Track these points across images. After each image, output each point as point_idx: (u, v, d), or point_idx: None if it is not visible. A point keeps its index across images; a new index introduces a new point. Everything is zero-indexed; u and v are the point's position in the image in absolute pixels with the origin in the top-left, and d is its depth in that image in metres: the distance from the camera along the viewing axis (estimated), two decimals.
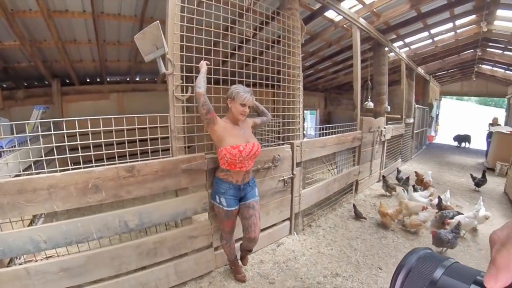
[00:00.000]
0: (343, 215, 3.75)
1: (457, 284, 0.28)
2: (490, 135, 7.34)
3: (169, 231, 1.91)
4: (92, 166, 1.51)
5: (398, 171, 4.91)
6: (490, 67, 9.22)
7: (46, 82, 4.60)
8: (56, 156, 1.47)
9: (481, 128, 15.28)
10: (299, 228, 3.21)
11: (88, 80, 5.10)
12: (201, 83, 1.83)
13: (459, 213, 3.33)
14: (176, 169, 1.85)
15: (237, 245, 2.35)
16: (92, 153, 1.56)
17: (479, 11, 4.64)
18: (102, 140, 1.61)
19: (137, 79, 5.52)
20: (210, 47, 2.11)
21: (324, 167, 3.94)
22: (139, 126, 1.75)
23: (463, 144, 10.68)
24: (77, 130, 1.51)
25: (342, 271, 2.53)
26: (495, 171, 5.94)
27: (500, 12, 4.82)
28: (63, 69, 4.29)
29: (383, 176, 4.69)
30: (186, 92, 1.98)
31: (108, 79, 5.09)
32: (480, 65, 9.08)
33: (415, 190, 4.09)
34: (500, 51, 7.12)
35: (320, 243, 3.01)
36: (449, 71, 9.64)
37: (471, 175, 5.10)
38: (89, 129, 1.55)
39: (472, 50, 7.22)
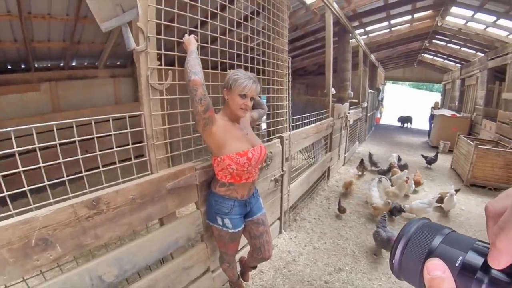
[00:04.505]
0: (322, 204, 3.62)
1: (454, 252, 0.27)
2: (432, 117, 8.07)
3: (159, 269, 1.36)
4: (32, 209, 0.88)
5: (370, 155, 4.96)
6: (431, 57, 10.05)
7: None
8: None
9: (417, 109, 17.38)
10: (286, 225, 2.93)
11: (9, 67, 3.74)
12: (196, 67, 1.26)
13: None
14: (160, 191, 1.28)
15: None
16: (27, 188, 0.90)
17: (438, 6, 4.81)
18: (42, 165, 0.96)
19: (74, 64, 4.27)
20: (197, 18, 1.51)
21: (301, 158, 3.73)
22: (99, 135, 1.11)
23: (405, 125, 11.70)
24: None
25: (343, 264, 2.42)
26: (439, 149, 6.55)
27: (453, 9, 5.11)
28: None
29: (361, 159, 4.72)
30: (166, 79, 1.37)
31: (36, 65, 3.81)
32: (423, 54, 9.89)
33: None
34: (444, 43, 7.72)
35: (312, 238, 2.81)
36: (396, 58, 10.23)
37: (422, 155, 5.48)
38: (16, 149, 0.89)
39: (420, 41, 7.67)
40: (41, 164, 0.96)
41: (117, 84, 4.74)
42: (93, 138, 1.12)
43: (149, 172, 1.31)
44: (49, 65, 3.96)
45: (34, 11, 2.75)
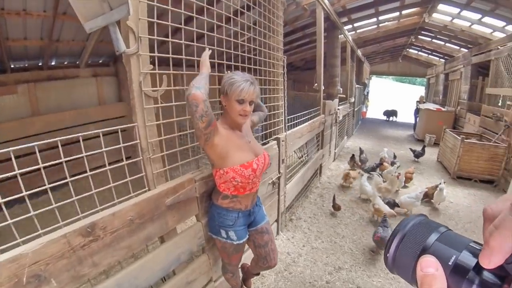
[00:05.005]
0: (316, 202, 3.63)
1: (449, 251, 0.28)
2: (417, 111, 8.25)
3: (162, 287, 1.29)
4: (19, 244, 0.78)
5: (361, 151, 4.98)
6: (416, 52, 10.24)
7: None
8: None
9: (401, 102, 17.74)
10: (283, 226, 2.91)
11: None
12: (200, 82, 1.15)
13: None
14: (159, 208, 1.19)
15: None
16: (10, 221, 0.79)
17: (426, 3, 4.86)
18: (25, 193, 0.85)
19: (53, 63, 3.98)
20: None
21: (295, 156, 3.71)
22: (88, 153, 1.00)
23: (391, 118, 11.92)
24: None
25: (342, 263, 2.44)
26: (425, 142, 6.73)
27: (440, 6, 5.19)
28: None
29: (353, 155, 4.77)
30: (160, 85, 1.24)
31: (12, 66, 3.51)
32: (408, 49, 10.06)
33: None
34: (429, 39, 7.87)
35: (309, 237, 2.82)
36: (381, 53, 10.34)
37: (411, 149, 5.60)
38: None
39: (406, 37, 7.78)
40: (16, 172, 0.84)
41: (100, 83, 4.47)
42: (76, 143, 0.99)
43: (146, 188, 1.21)
44: (26, 65, 3.67)
45: (8, 7, 2.51)
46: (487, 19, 4.85)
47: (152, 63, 1.20)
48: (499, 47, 4.88)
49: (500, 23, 4.75)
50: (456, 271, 0.26)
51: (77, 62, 4.18)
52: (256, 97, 1.31)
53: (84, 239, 0.90)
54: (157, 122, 1.25)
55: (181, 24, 1.34)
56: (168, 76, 1.27)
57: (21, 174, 0.84)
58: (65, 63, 4.10)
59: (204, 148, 1.25)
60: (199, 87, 1.13)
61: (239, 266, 1.81)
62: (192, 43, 1.39)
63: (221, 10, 1.59)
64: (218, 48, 1.57)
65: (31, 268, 0.77)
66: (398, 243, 0.31)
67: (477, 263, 0.25)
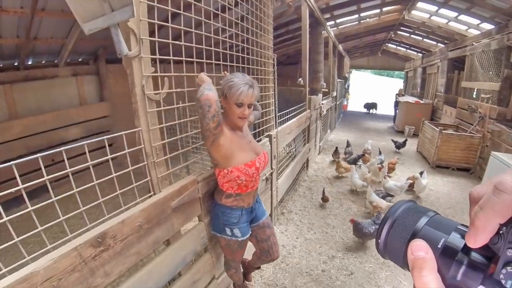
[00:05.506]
0: (306, 195, 3.74)
1: (437, 234, 0.28)
2: (397, 103, 8.56)
3: None
4: (28, 262, 0.76)
5: (348, 144, 5.13)
6: (395, 46, 10.55)
7: None
8: None
9: (380, 95, 18.21)
10: (275, 219, 2.99)
11: None
12: (210, 85, 1.18)
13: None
14: (165, 211, 1.20)
15: None
16: (16, 238, 0.76)
17: (406, 1, 5.01)
18: None
19: (30, 63, 3.74)
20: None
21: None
22: (92, 162, 0.98)
23: (371, 111, 12.26)
24: None
25: (335, 251, 2.55)
26: (405, 133, 7.03)
27: (420, 4, 5.40)
28: None
29: (336, 148, 4.92)
30: (162, 88, 1.22)
31: None
32: (387, 44, 10.33)
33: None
34: (408, 35, 8.13)
35: (302, 229, 2.91)
36: (362, 48, 10.57)
37: (392, 140, 5.85)
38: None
39: (386, 32, 7.99)
40: (20, 187, 0.81)
41: (80, 83, 4.26)
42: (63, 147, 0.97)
43: (152, 193, 1.21)
44: (1, 65, 3.42)
45: None
46: (463, 17, 5.10)
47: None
48: (474, 43, 5.14)
49: (475, 21, 5.01)
50: (445, 253, 0.27)
51: (56, 61, 3.95)
52: (255, 99, 1.33)
53: (95, 249, 0.89)
54: (160, 126, 1.24)
55: (167, 21, 1.28)
56: (169, 79, 1.26)
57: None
58: (43, 62, 3.87)
59: (209, 149, 1.27)
60: (211, 88, 1.15)
61: None
62: (192, 44, 1.37)
63: (217, 11, 1.58)
64: (207, 48, 1.52)
65: (44, 286, 0.76)
66: (388, 228, 0.32)
67: (465, 244, 0.26)
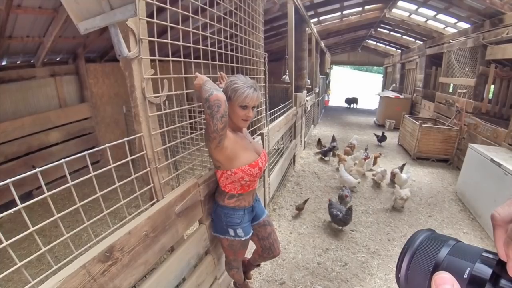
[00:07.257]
0: (294, 190, 3.79)
1: (462, 263, 0.27)
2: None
3: None
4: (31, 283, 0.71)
5: (333, 139, 5.25)
6: (375, 42, 10.78)
7: None
8: None
9: (360, 90, 18.60)
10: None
11: None
12: (216, 86, 1.15)
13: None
14: (169, 217, 1.17)
15: None
16: (19, 263, 0.71)
17: (388, 0, 5.11)
18: None
19: (4, 63, 3.45)
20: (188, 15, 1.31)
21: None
22: (96, 172, 0.93)
23: (352, 105, 12.54)
24: None
25: (328, 244, 2.62)
26: (385, 127, 7.26)
27: (400, 3, 5.56)
28: None
29: (319, 139, 5.11)
30: (162, 90, 1.17)
31: None
32: (368, 41, 10.54)
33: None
34: (388, 32, 8.33)
35: (294, 225, 2.96)
36: (342, 44, 10.72)
37: (375, 134, 6.05)
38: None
39: (367, 29, 8.14)
40: (19, 206, 0.77)
41: (59, 84, 3.98)
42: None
43: (155, 199, 1.17)
44: None
45: None
46: (441, 16, 5.31)
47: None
48: (451, 41, 5.36)
49: (452, 20, 5.23)
50: (472, 284, 0.25)
51: (32, 61, 3.67)
52: (258, 102, 1.34)
53: (103, 264, 0.86)
54: (161, 130, 1.20)
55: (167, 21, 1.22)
56: (169, 80, 1.21)
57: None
58: (18, 62, 3.59)
59: (213, 151, 1.25)
60: (218, 89, 1.12)
61: None
62: (191, 45, 1.33)
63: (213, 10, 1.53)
64: (204, 48, 1.47)
65: None
66: (409, 261, 0.30)
67: (493, 272, 0.25)
